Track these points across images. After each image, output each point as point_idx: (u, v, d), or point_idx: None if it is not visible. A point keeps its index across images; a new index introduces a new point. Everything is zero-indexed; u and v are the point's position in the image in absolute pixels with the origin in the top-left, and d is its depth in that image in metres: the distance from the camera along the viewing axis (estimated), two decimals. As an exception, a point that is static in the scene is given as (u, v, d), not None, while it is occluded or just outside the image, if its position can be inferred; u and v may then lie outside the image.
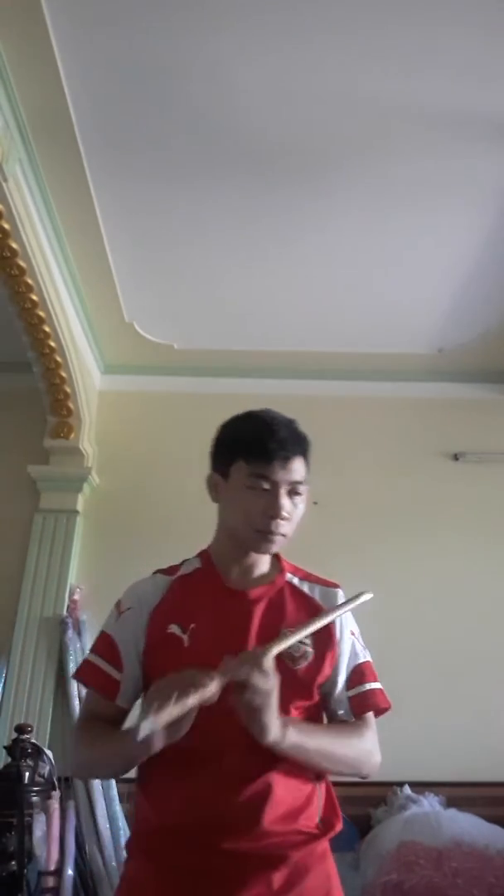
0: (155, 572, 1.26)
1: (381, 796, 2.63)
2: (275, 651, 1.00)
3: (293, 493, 1.15)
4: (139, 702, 1.13)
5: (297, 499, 1.16)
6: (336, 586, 1.23)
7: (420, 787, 2.62)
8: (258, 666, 0.95)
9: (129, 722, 1.10)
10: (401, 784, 2.62)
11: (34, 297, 2.51)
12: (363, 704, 1.15)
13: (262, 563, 1.22)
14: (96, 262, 2.76)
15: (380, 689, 1.17)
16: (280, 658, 1.04)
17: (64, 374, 2.98)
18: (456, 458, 3.39)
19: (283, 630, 1.09)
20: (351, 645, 1.18)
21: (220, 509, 1.24)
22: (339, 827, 1.12)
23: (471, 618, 3.04)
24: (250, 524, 1.14)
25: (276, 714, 0.97)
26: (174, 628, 1.13)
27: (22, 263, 2.32)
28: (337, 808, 1.14)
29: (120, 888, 1.11)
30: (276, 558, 1.26)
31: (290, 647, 1.05)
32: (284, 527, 1.14)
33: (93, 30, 1.84)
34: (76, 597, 2.99)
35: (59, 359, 2.88)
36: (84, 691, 1.16)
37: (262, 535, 1.13)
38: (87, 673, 1.17)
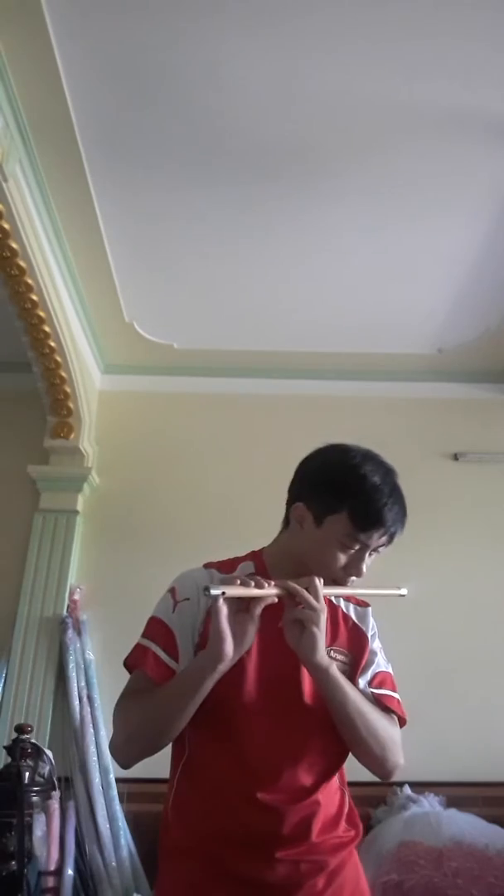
0: (206, 566, 1.23)
1: (381, 796, 2.63)
2: (329, 592, 1.08)
3: (372, 553, 1.18)
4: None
5: (375, 554, 1.20)
6: (367, 605, 1.28)
7: (420, 787, 2.62)
8: (312, 585, 1.02)
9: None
10: (401, 784, 2.62)
11: (34, 297, 2.50)
12: (387, 704, 1.17)
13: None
14: (96, 262, 2.76)
15: (397, 699, 1.20)
16: None
17: (64, 374, 2.98)
18: (456, 458, 3.39)
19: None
20: (380, 655, 1.24)
21: (297, 536, 1.19)
22: (362, 831, 1.18)
23: (471, 617, 3.04)
24: (329, 572, 1.13)
25: (324, 639, 1.02)
26: None
27: (22, 263, 2.32)
28: (355, 812, 1.19)
29: (176, 891, 1.10)
30: None
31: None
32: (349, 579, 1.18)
33: (93, 30, 1.84)
34: (76, 597, 2.99)
35: (59, 359, 2.88)
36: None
37: (334, 582, 1.14)
38: (140, 657, 1.12)
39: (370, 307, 3.08)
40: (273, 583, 1.02)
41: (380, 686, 1.19)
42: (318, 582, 1.03)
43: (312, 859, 1.07)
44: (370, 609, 1.27)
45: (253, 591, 0.99)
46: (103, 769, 2.61)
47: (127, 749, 1.11)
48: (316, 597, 1.02)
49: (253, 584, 0.99)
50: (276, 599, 1.02)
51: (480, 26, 1.82)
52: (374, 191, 2.41)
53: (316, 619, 1.01)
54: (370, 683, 1.18)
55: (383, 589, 1.19)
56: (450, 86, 2.00)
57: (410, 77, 1.97)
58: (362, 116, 2.11)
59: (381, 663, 1.23)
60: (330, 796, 1.13)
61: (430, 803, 2.54)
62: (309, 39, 1.87)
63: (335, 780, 1.15)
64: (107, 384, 3.54)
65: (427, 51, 1.89)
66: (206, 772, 1.11)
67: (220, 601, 0.97)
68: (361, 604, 1.27)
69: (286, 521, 1.24)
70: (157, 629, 1.15)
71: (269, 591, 1.00)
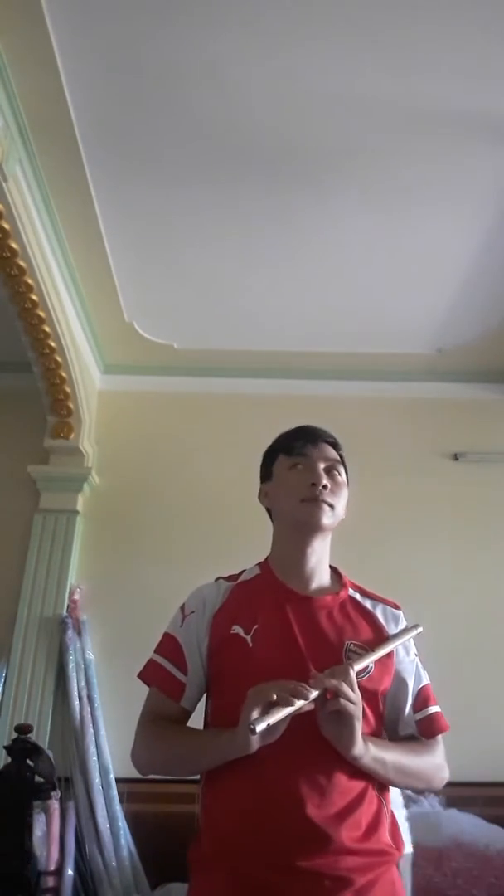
0: (217, 578, 1.30)
1: (381, 796, 2.64)
2: (357, 668, 1.05)
3: (331, 470, 1.25)
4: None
5: (337, 477, 1.25)
6: (397, 607, 1.28)
7: (420, 787, 2.62)
8: (348, 678, 1.01)
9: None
10: (401, 784, 2.63)
11: (34, 297, 2.50)
12: (431, 728, 1.20)
13: (322, 574, 1.26)
14: (96, 262, 2.76)
15: (440, 712, 1.23)
16: None
17: (64, 374, 2.98)
18: (456, 458, 3.39)
19: (347, 643, 1.14)
20: (416, 667, 1.24)
21: (274, 512, 1.32)
22: (403, 848, 1.13)
23: (470, 617, 3.04)
24: (297, 496, 1.21)
25: (360, 727, 1.01)
26: (237, 629, 1.16)
27: (22, 263, 2.32)
28: (399, 828, 1.15)
29: None
30: (337, 574, 1.31)
31: (350, 661, 1.09)
32: (329, 496, 1.21)
33: (93, 30, 1.84)
34: (76, 597, 2.99)
35: (59, 359, 2.88)
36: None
37: (308, 503, 1.20)
38: (152, 673, 1.20)
39: (370, 307, 3.07)
40: (311, 684, 0.99)
41: (424, 705, 1.21)
42: (353, 672, 1.03)
43: (336, 875, 1.00)
44: (401, 613, 1.28)
45: (291, 710, 0.96)
46: (103, 769, 2.61)
47: (147, 771, 1.19)
48: (353, 687, 1.01)
49: (292, 692, 0.97)
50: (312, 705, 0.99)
51: (481, 27, 1.82)
52: (375, 190, 2.41)
53: (356, 711, 1.00)
54: (414, 707, 1.20)
55: (407, 633, 1.22)
56: (450, 86, 2.00)
57: (411, 77, 1.97)
58: (363, 116, 2.11)
59: (421, 675, 1.24)
60: (364, 802, 1.07)
61: (429, 803, 2.54)
62: (309, 39, 1.86)
63: (371, 784, 1.10)
64: (107, 384, 3.54)
65: (427, 50, 1.89)
66: (226, 784, 1.10)
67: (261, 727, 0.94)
68: (391, 604, 1.29)
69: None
70: (167, 644, 1.22)
71: (309, 699, 0.97)
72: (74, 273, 2.82)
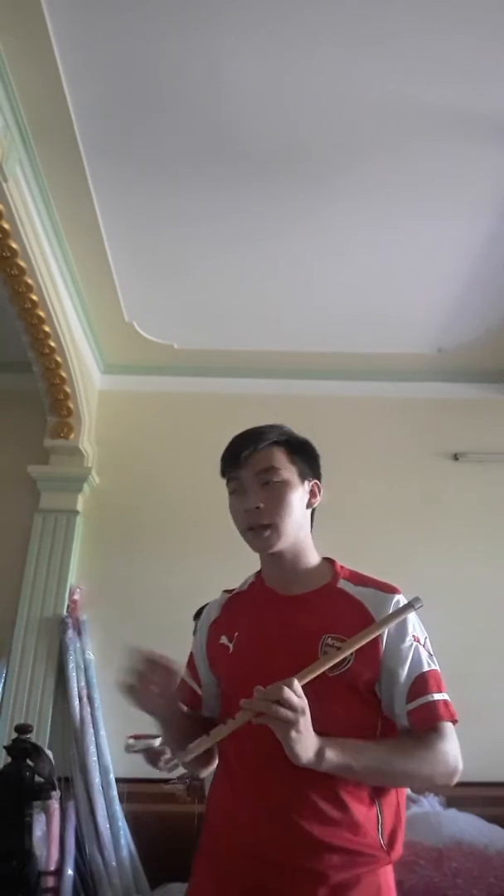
0: (223, 592, 1.33)
1: (381, 796, 2.63)
2: (308, 678, 0.99)
3: (264, 482, 1.18)
4: None
5: (275, 485, 1.18)
6: (393, 591, 1.17)
7: (420, 787, 2.62)
8: (280, 697, 0.94)
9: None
10: (401, 784, 2.62)
11: (34, 297, 2.50)
12: (423, 718, 1.08)
13: (306, 571, 1.22)
14: (96, 262, 2.76)
15: (443, 700, 1.10)
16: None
17: (64, 374, 2.98)
18: (456, 458, 3.39)
19: (324, 637, 1.09)
20: (413, 651, 1.12)
21: None
22: (398, 853, 1.08)
23: (471, 617, 3.04)
24: (241, 526, 1.20)
25: (307, 739, 0.97)
26: (223, 639, 1.21)
27: (22, 263, 2.32)
28: (401, 832, 1.09)
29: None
30: (330, 564, 1.25)
31: (327, 656, 1.03)
32: (266, 516, 1.15)
33: (93, 30, 1.84)
34: (76, 597, 2.99)
35: (59, 359, 2.88)
36: None
37: (248, 532, 1.18)
38: (179, 690, 1.16)
39: (370, 307, 3.07)
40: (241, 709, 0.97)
41: (420, 693, 1.09)
42: (288, 690, 0.95)
43: (309, 868, 1.01)
44: (397, 597, 1.16)
45: (218, 738, 1.00)
46: (103, 769, 2.61)
47: None
48: (290, 706, 0.94)
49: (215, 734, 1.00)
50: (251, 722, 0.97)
51: (481, 27, 1.82)
52: (375, 190, 2.41)
53: (286, 729, 0.95)
54: (408, 697, 1.09)
55: (396, 616, 1.09)
56: (450, 85, 2.00)
57: (411, 77, 1.97)
58: (362, 116, 2.11)
59: (421, 661, 1.12)
60: (345, 802, 1.05)
61: (429, 803, 2.54)
62: (308, 40, 1.86)
63: (359, 785, 1.07)
64: (107, 384, 3.54)
65: (428, 50, 1.89)
66: (217, 780, 1.18)
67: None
68: (385, 588, 1.18)
69: None
70: (188, 660, 1.30)
71: (236, 724, 0.97)
72: (74, 273, 2.82)
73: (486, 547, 3.19)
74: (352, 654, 1.05)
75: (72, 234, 2.60)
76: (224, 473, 1.24)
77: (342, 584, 1.19)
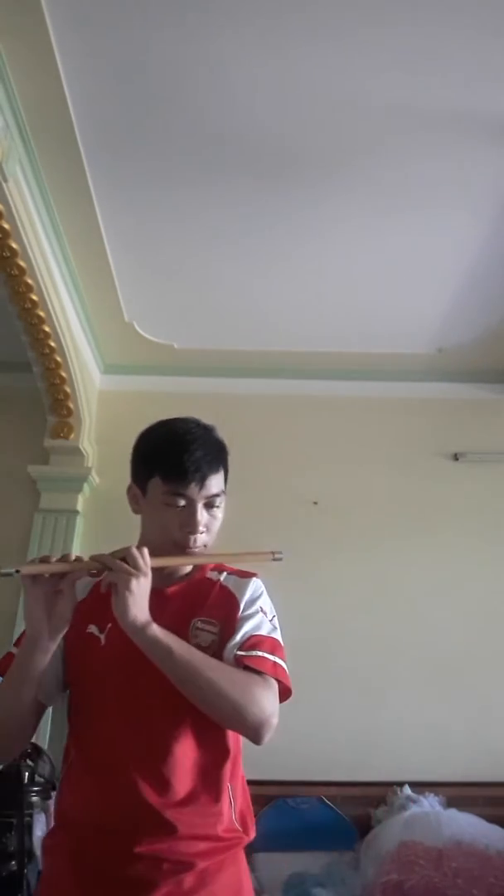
0: (88, 574, 1.18)
1: (381, 796, 2.62)
2: (161, 564, 1.09)
3: (210, 506, 1.17)
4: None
5: (215, 510, 1.19)
6: (252, 575, 1.23)
7: (420, 787, 2.61)
8: (125, 554, 1.03)
9: None
10: (401, 784, 2.61)
11: (34, 297, 2.50)
12: (250, 664, 1.08)
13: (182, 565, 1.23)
14: (96, 262, 2.76)
15: (274, 661, 1.10)
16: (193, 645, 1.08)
17: (64, 374, 2.98)
18: (456, 458, 3.39)
19: (194, 621, 1.13)
20: (258, 620, 1.15)
21: (142, 520, 1.24)
22: (252, 833, 1.12)
23: (471, 617, 3.04)
24: (169, 537, 1.15)
25: (141, 602, 1.02)
26: (92, 629, 1.16)
27: (22, 263, 2.32)
28: (250, 814, 1.14)
29: (39, 886, 1.13)
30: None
31: (198, 639, 1.11)
32: (202, 539, 1.16)
33: (93, 30, 1.84)
34: (76, 597, 2.99)
35: (59, 359, 2.88)
36: None
37: (181, 548, 1.15)
38: (5, 665, 1.18)
39: (370, 307, 3.08)
40: (87, 558, 1.04)
41: (251, 648, 1.10)
42: (136, 550, 1.04)
43: (177, 859, 1.02)
44: (254, 579, 1.22)
45: (52, 567, 1.05)
46: (103, 769, 2.60)
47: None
48: (133, 564, 1.02)
49: (55, 559, 1.04)
50: (91, 573, 1.07)
51: (481, 27, 1.82)
52: (375, 190, 2.41)
53: (123, 580, 1.01)
54: (240, 647, 1.10)
55: (252, 553, 1.17)
56: (450, 86, 2.00)
57: (410, 78, 1.97)
58: (362, 116, 2.11)
59: (260, 626, 1.14)
60: (206, 789, 1.07)
61: (430, 803, 2.54)
62: (308, 40, 1.86)
63: (217, 772, 1.10)
64: (107, 384, 3.54)
65: (428, 50, 1.89)
66: (73, 768, 1.13)
67: (29, 581, 1.07)
68: (244, 574, 1.23)
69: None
70: (23, 637, 1.25)
71: (76, 566, 1.04)
72: (74, 273, 2.82)
73: (486, 546, 3.20)
74: (218, 635, 1.13)
75: (72, 234, 2.60)
76: (169, 480, 1.14)
77: (209, 574, 1.23)
